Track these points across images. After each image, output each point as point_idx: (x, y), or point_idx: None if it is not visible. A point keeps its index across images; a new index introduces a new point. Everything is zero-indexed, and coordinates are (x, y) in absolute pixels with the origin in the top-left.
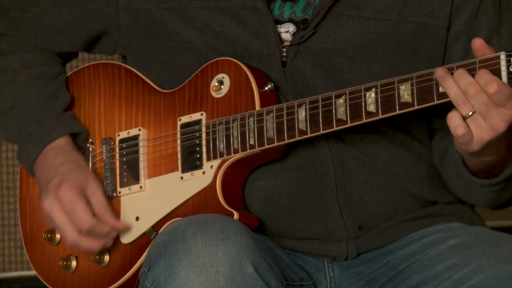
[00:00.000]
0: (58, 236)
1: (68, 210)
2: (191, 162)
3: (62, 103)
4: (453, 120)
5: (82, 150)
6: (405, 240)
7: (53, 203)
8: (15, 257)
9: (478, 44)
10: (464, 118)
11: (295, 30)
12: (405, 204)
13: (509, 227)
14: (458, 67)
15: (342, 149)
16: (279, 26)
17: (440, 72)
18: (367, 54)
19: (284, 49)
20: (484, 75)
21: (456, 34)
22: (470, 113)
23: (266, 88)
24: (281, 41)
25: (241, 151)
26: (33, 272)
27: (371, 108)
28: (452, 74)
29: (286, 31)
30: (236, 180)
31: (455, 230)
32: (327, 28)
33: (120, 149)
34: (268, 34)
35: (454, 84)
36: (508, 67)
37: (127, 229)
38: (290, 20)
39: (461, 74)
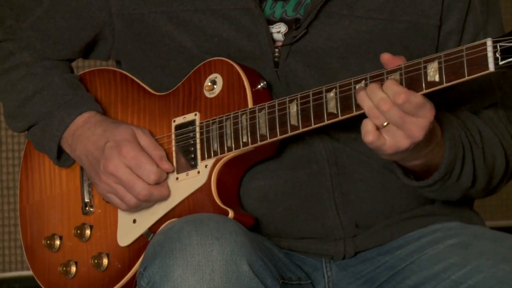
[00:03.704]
0: (57, 242)
1: (133, 165)
2: (186, 163)
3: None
4: (364, 126)
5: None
6: (403, 240)
7: (118, 163)
8: (15, 257)
9: (386, 58)
10: (378, 128)
11: (286, 30)
12: (402, 202)
13: (509, 227)
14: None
15: (336, 148)
16: (270, 26)
17: (358, 88)
18: (359, 53)
19: (277, 50)
20: (391, 87)
21: (448, 33)
22: (385, 124)
23: (259, 86)
24: (273, 41)
25: (235, 149)
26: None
27: None
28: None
29: (278, 31)
30: (231, 178)
31: (453, 230)
32: (319, 28)
33: None
34: (261, 35)
35: (367, 97)
36: (494, 53)
37: (126, 230)
38: (281, 20)
39: (373, 89)
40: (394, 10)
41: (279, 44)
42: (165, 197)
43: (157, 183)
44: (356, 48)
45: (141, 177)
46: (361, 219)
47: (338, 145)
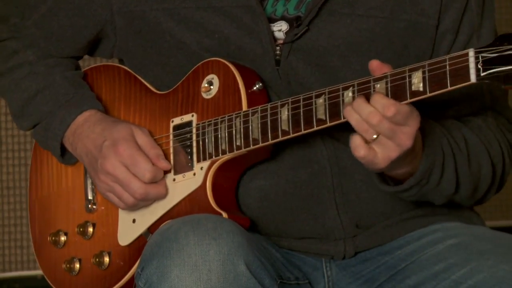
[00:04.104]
0: (62, 238)
1: (129, 164)
2: (183, 164)
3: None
4: (354, 141)
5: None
6: (404, 240)
7: (114, 162)
8: (15, 257)
9: (374, 65)
10: (367, 141)
11: (287, 29)
12: (402, 202)
13: (509, 227)
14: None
15: (337, 147)
16: (272, 24)
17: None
18: (360, 51)
19: (278, 48)
20: (379, 100)
21: (443, 32)
22: (374, 136)
23: (255, 88)
24: (274, 39)
25: (229, 152)
26: (33, 272)
27: None
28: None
29: (279, 29)
30: (227, 181)
31: (453, 230)
32: (320, 26)
33: None
34: (262, 33)
35: (354, 111)
36: (476, 64)
37: (126, 230)
38: (282, 18)
39: (360, 104)
40: (394, 8)
41: (280, 42)
42: (163, 196)
43: (154, 181)
44: (357, 46)
45: (136, 175)
46: (362, 219)
47: (339, 145)
